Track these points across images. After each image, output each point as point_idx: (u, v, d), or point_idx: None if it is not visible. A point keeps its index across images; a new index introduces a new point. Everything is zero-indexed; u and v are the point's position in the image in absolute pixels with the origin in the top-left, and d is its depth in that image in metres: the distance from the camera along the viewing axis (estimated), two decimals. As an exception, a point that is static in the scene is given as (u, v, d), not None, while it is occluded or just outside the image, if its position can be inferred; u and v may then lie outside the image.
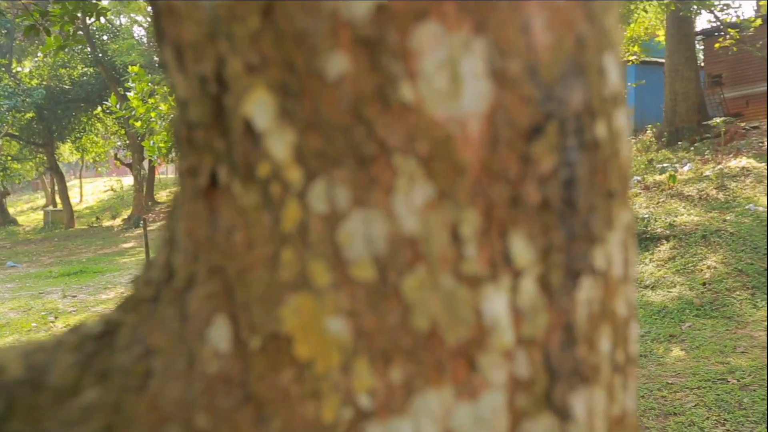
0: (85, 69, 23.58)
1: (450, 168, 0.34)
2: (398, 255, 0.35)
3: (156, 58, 23.74)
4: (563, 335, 0.37)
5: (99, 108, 22.45)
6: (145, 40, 24.85)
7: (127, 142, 23.63)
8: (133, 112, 8.71)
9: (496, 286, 0.35)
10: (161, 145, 8.70)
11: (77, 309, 8.06)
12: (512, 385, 0.36)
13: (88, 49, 21.91)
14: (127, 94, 9.03)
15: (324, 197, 0.35)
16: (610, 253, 0.39)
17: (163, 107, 8.67)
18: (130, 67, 9.06)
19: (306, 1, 0.34)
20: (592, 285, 0.38)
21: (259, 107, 0.36)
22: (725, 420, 3.68)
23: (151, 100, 8.76)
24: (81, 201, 32.78)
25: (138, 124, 8.65)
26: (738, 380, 4.22)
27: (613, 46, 0.39)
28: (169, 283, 0.42)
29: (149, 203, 24.01)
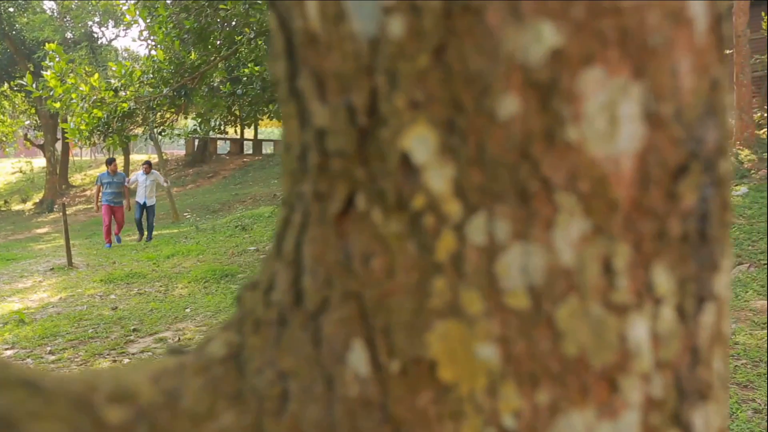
0: (-10, 43, 22.29)
1: (605, 204, 0.37)
2: (554, 285, 0.37)
3: (70, 35, 22.66)
4: (690, 357, 0.40)
5: (6, 85, 21.29)
6: (57, 14, 23.66)
7: (39, 121, 22.55)
8: (51, 92, 8.30)
9: (640, 313, 0.38)
10: (83, 127, 8.34)
11: (-9, 299, 7.66)
12: (647, 405, 0.39)
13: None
14: (43, 72, 8.58)
15: (483, 230, 0.37)
16: (724, 279, 0.42)
17: (83, 88, 8.31)
18: (46, 44, 8.61)
19: (482, 44, 0.35)
20: (713, 309, 0.41)
21: (419, 142, 0.37)
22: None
23: (70, 80, 8.38)
24: (-14, 183, 31.09)
25: (57, 105, 8.25)
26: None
27: (726, 86, 0.42)
28: (298, 306, 0.42)
29: (63, 186, 23.03)
